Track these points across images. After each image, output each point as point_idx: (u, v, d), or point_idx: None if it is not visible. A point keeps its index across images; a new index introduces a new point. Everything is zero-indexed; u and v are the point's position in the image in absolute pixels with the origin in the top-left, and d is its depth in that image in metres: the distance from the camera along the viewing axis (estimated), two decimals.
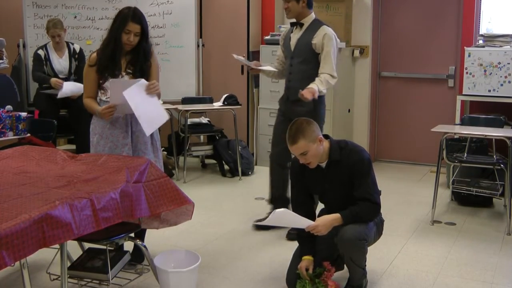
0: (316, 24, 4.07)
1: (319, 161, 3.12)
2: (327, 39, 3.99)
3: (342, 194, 3.16)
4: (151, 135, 3.48)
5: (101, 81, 3.36)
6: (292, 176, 3.37)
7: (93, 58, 3.37)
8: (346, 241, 3.06)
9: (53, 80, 5.54)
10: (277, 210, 3.02)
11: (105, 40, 3.37)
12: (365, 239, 3.10)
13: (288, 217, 3.06)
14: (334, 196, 3.23)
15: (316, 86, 3.87)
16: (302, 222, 3.05)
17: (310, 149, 3.01)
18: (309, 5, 4.06)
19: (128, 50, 3.36)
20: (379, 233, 3.31)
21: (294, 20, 4.12)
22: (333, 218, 3.07)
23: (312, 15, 4.11)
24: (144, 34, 3.34)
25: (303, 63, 4.05)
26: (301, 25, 4.08)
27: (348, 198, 3.12)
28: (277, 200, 4.27)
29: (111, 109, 3.27)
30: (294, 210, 3.21)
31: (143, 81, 3.29)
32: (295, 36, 4.10)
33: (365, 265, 3.24)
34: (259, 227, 4.23)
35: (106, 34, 3.37)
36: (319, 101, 3.99)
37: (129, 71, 3.39)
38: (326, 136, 3.20)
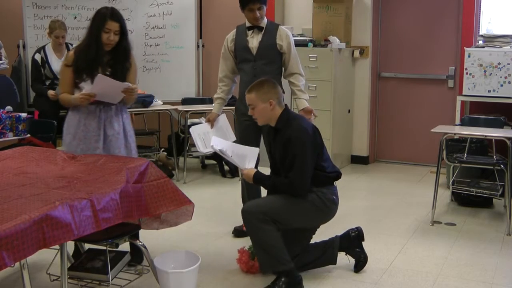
0: (272, 25, 4.13)
1: (270, 123, 3.34)
2: (291, 38, 4.09)
3: (279, 160, 3.31)
4: (126, 138, 3.51)
5: (77, 81, 3.37)
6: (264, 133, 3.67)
7: (71, 58, 3.37)
8: (242, 212, 3.24)
9: (50, 93, 5.57)
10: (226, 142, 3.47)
11: (85, 41, 3.37)
12: (264, 216, 3.13)
13: (231, 155, 3.41)
14: (276, 158, 3.36)
15: (306, 102, 4.04)
16: (240, 164, 3.41)
17: (258, 105, 3.29)
18: None
19: (108, 50, 3.36)
20: (323, 213, 3.31)
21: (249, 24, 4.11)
22: (256, 175, 3.33)
23: (265, 17, 4.12)
24: (123, 32, 3.36)
25: (268, 64, 4.05)
26: (260, 28, 4.07)
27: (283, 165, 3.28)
28: None
29: (89, 96, 3.29)
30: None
31: (127, 84, 3.35)
32: (255, 39, 4.07)
33: (280, 256, 3.14)
34: (238, 234, 4.22)
35: (85, 35, 3.38)
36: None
37: (107, 73, 3.39)
38: (286, 106, 3.39)
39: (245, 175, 3.38)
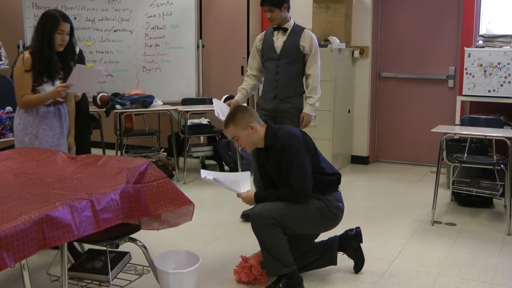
0: (298, 28, 4.37)
1: (258, 146, 3.31)
2: (314, 41, 4.33)
3: (276, 173, 3.26)
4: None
5: (35, 84, 3.53)
6: (253, 153, 3.67)
7: (28, 62, 3.49)
8: (251, 215, 3.23)
9: None
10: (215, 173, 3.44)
11: (37, 44, 3.50)
12: (273, 221, 3.12)
13: (225, 182, 3.35)
14: (273, 174, 3.32)
15: (310, 106, 4.32)
16: (235, 189, 3.34)
17: (240, 135, 3.25)
18: (288, 10, 4.37)
19: (60, 50, 3.55)
20: (330, 220, 3.30)
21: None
22: (257, 195, 3.30)
23: (292, 20, 4.39)
24: (72, 32, 3.59)
25: (291, 63, 4.30)
26: (285, 29, 4.33)
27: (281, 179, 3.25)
28: None
29: (66, 87, 3.49)
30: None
31: (101, 70, 3.74)
32: (280, 39, 4.34)
33: (285, 259, 3.16)
34: (247, 218, 4.39)
35: (36, 38, 3.51)
36: (303, 99, 4.41)
37: (60, 76, 3.62)
38: (267, 122, 3.41)
39: (244, 198, 3.34)
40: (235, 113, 3.29)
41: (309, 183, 3.18)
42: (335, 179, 3.34)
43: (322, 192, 3.25)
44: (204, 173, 3.37)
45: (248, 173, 3.57)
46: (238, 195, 3.36)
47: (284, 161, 3.15)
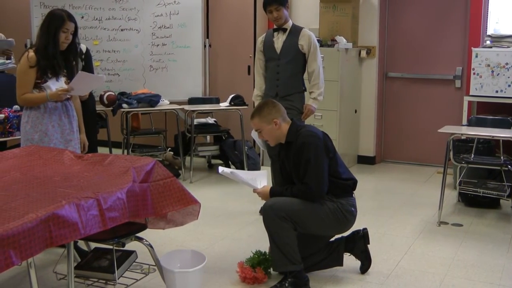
0: (297, 28, 4.51)
1: (281, 141, 3.38)
2: (313, 39, 4.46)
3: (294, 170, 3.31)
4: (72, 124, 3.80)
5: (39, 81, 3.57)
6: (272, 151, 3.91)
7: (33, 59, 3.54)
8: (264, 207, 3.25)
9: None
10: (233, 170, 3.47)
11: (42, 41, 3.57)
12: (285, 215, 3.15)
13: (243, 176, 3.43)
14: (291, 170, 3.36)
15: (313, 101, 4.47)
16: (252, 184, 3.40)
17: (264, 128, 3.35)
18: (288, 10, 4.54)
19: (63, 49, 3.62)
20: (341, 223, 3.31)
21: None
22: (272, 190, 3.34)
23: (290, 21, 4.54)
24: (76, 32, 3.67)
25: (290, 62, 4.46)
26: (284, 30, 4.49)
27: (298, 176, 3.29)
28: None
29: (67, 91, 3.57)
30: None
31: (103, 76, 3.88)
32: (279, 40, 4.50)
33: (292, 255, 3.18)
34: None
35: (40, 36, 3.60)
36: (304, 96, 4.55)
37: (64, 73, 3.68)
38: (292, 120, 3.45)
39: (260, 193, 3.39)
40: (263, 107, 3.39)
41: (324, 183, 3.22)
42: (350, 184, 3.36)
43: (336, 196, 3.29)
44: (221, 167, 3.44)
45: (265, 171, 3.62)
46: (254, 190, 3.41)
47: (302, 159, 3.21)
